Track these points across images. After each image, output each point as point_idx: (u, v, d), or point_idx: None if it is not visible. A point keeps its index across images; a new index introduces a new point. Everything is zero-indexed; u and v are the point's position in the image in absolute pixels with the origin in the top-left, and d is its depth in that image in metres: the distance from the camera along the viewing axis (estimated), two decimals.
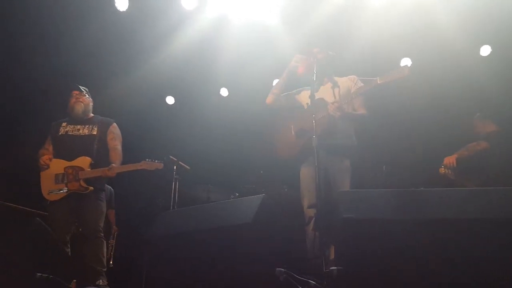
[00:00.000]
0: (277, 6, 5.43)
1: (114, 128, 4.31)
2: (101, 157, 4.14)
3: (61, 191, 3.97)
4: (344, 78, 3.91)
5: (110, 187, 5.26)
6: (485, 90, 5.40)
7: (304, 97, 3.96)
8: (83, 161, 4.04)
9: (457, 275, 1.76)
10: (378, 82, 3.37)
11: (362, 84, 3.75)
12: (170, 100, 7.13)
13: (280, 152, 3.96)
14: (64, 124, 4.22)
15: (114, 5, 5.23)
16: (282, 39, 5.61)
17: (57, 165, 4.04)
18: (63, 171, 4.00)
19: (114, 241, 5.56)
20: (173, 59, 5.96)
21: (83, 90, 4.29)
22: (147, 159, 4.07)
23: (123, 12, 5.31)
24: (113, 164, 4.04)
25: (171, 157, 4.99)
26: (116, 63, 6.10)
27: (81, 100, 4.22)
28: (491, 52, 5.66)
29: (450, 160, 4.49)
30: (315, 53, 3.72)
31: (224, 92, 6.95)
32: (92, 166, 4.03)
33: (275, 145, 3.99)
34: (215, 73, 6.38)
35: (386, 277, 1.79)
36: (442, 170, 4.56)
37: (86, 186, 3.99)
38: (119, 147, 4.24)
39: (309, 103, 3.42)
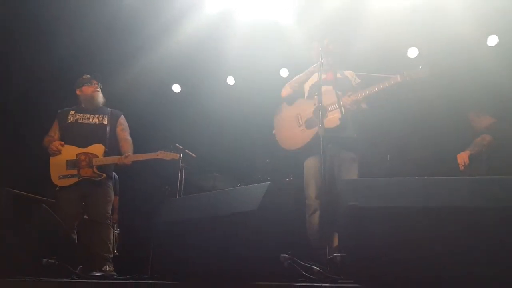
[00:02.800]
0: None
1: (123, 119, 4.41)
2: (112, 146, 4.20)
3: (73, 177, 4.02)
4: (345, 72, 3.92)
5: (114, 173, 5.30)
6: (492, 81, 5.35)
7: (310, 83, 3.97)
8: (98, 149, 4.10)
9: (461, 264, 1.77)
10: (399, 79, 3.40)
11: (359, 80, 3.79)
12: (176, 88, 7.14)
13: (285, 143, 3.95)
14: (72, 112, 4.28)
15: None
16: (290, 29, 5.59)
17: (69, 151, 4.09)
18: (75, 158, 4.05)
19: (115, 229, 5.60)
20: (179, 47, 5.95)
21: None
22: (163, 149, 4.13)
23: None
24: (129, 153, 4.10)
25: (177, 145, 5.01)
26: (122, 50, 6.10)
27: (99, 90, 4.30)
28: (498, 42, 5.60)
29: (463, 157, 4.53)
30: (325, 43, 3.73)
31: (230, 80, 6.94)
32: (106, 154, 4.10)
33: (280, 135, 3.97)
34: (221, 62, 6.37)
35: (388, 264, 1.81)
36: (462, 167, 4.60)
37: (100, 173, 4.05)
38: (129, 138, 4.33)
39: (311, 91, 3.43)
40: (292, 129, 3.87)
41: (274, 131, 4.05)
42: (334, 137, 3.53)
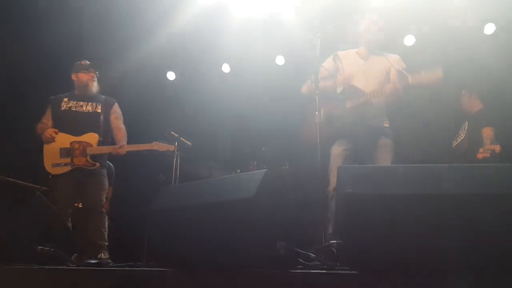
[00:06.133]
0: None
1: (117, 107, 4.37)
2: (106, 134, 4.17)
3: (66, 165, 3.99)
4: (384, 56, 3.77)
5: (110, 163, 5.26)
6: (489, 69, 5.34)
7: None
8: (92, 137, 4.07)
9: (458, 251, 1.77)
10: (410, 83, 3.31)
11: (404, 65, 3.64)
12: (171, 75, 7.10)
13: (306, 137, 3.88)
14: (65, 99, 4.23)
15: None
16: (286, 15, 5.54)
17: (63, 139, 4.06)
18: (69, 146, 4.02)
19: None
20: (174, 34, 5.90)
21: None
22: (158, 140, 4.11)
23: None
24: (124, 143, 4.07)
25: (172, 133, 4.99)
26: (116, 38, 6.04)
27: (95, 79, 4.26)
28: (495, 31, 5.58)
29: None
30: (375, 19, 3.66)
31: (226, 68, 6.90)
32: (100, 143, 4.06)
33: (303, 129, 3.90)
34: (216, 49, 6.33)
35: (385, 251, 1.81)
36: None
37: (93, 162, 4.02)
38: (123, 126, 4.29)
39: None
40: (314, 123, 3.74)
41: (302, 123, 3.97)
42: (358, 126, 3.50)
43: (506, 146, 4.46)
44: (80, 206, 4.50)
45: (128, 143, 4.17)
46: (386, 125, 3.68)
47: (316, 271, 1.92)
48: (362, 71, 3.67)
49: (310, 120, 3.82)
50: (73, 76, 4.27)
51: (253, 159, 5.81)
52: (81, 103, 4.22)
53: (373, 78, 3.67)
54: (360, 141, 3.58)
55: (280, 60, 6.49)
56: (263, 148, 5.78)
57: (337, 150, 3.61)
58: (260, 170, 2.31)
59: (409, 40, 5.88)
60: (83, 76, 4.24)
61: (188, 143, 5.22)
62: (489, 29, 5.58)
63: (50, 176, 4.04)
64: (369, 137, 3.58)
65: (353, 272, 1.83)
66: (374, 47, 3.79)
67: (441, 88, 5.56)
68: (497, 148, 4.38)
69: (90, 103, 4.22)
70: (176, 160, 5.15)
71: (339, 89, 3.67)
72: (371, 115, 3.60)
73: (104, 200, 4.16)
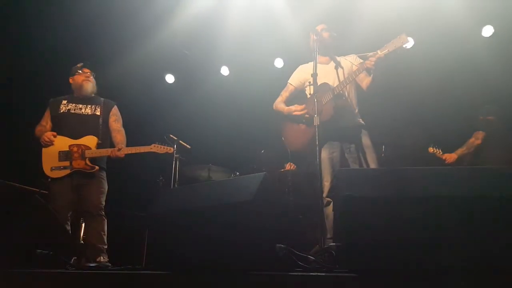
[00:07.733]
0: None
1: (116, 110, 4.36)
2: (105, 137, 4.17)
3: (65, 169, 3.98)
4: (342, 58, 3.88)
5: None
6: (487, 72, 5.35)
7: (303, 72, 3.95)
8: (90, 140, 4.07)
9: (457, 252, 1.77)
10: (379, 53, 3.35)
11: (361, 61, 3.73)
12: (169, 78, 7.10)
13: (292, 145, 3.92)
14: (64, 101, 4.22)
15: None
16: (285, 18, 5.55)
17: (62, 142, 4.05)
18: (67, 149, 4.02)
19: None
20: (173, 37, 5.90)
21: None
22: (157, 142, 4.11)
23: None
24: (123, 145, 4.07)
25: (171, 136, 4.99)
26: (115, 40, 6.05)
27: (90, 79, 4.25)
28: (493, 33, 5.59)
29: (449, 158, 4.64)
30: (319, 31, 3.70)
31: (224, 71, 6.91)
32: (99, 145, 4.06)
33: (286, 139, 3.94)
34: (215, 52, 6.33)
35: (384, 254, 1.81)
36: (431, 149, 4.69)
37: (92, 165, 4.01)
38: (122, 129, 4.29)
39: (311, 82, 3.40)
40: (296, 129, 3.83)
41: (283, 138, 4.02)
42: (335, 128, 3.52)
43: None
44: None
45: (127, 146, 4.17)
46: (362, 121, 3.71)
47: (315, 273, 1.92)
48: (325, 73, 3.73)
49: (289, 128, 3.87)
50: (71, 80, 4.29)
51: (252, 162, 5.81)
52: (80, 105, 4.22)
53: (340, 75, 3.74)
54: (344, 142, 3.65)
55: (279, 63, 6.50)
56: (262, 151, 5.78)
57: (324, 155, 3.63)
58: (258, 173, 2.31)
59: (408, 43, 5.88)
60: (78, 78, 4.25)
61: (187, 146, 5.22)
62: (487, 31, 5.60)
63: (49, 180, 4.04)
64: (352, 138, 3.63)
65: (351, 274, 1.83)
66: (330, 53, 3.86)
67: (440, 90, 5.60)
68: (449, 156, 4.65)
69: (89, 106, 4.22)
70: (176, 163, 5.15)
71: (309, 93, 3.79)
72: (349, 115, 3.66)
73: (103, 203, 4.15)
